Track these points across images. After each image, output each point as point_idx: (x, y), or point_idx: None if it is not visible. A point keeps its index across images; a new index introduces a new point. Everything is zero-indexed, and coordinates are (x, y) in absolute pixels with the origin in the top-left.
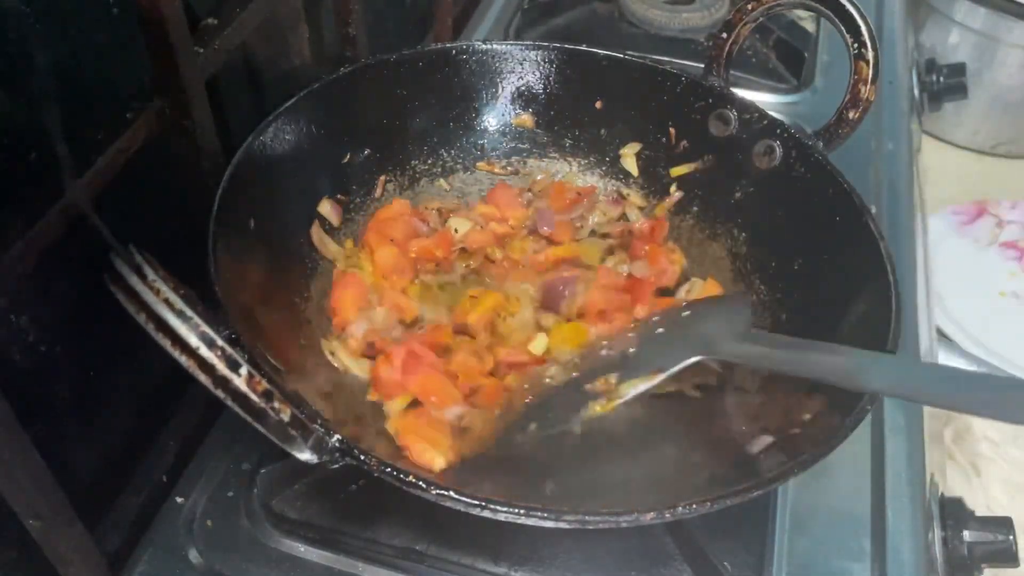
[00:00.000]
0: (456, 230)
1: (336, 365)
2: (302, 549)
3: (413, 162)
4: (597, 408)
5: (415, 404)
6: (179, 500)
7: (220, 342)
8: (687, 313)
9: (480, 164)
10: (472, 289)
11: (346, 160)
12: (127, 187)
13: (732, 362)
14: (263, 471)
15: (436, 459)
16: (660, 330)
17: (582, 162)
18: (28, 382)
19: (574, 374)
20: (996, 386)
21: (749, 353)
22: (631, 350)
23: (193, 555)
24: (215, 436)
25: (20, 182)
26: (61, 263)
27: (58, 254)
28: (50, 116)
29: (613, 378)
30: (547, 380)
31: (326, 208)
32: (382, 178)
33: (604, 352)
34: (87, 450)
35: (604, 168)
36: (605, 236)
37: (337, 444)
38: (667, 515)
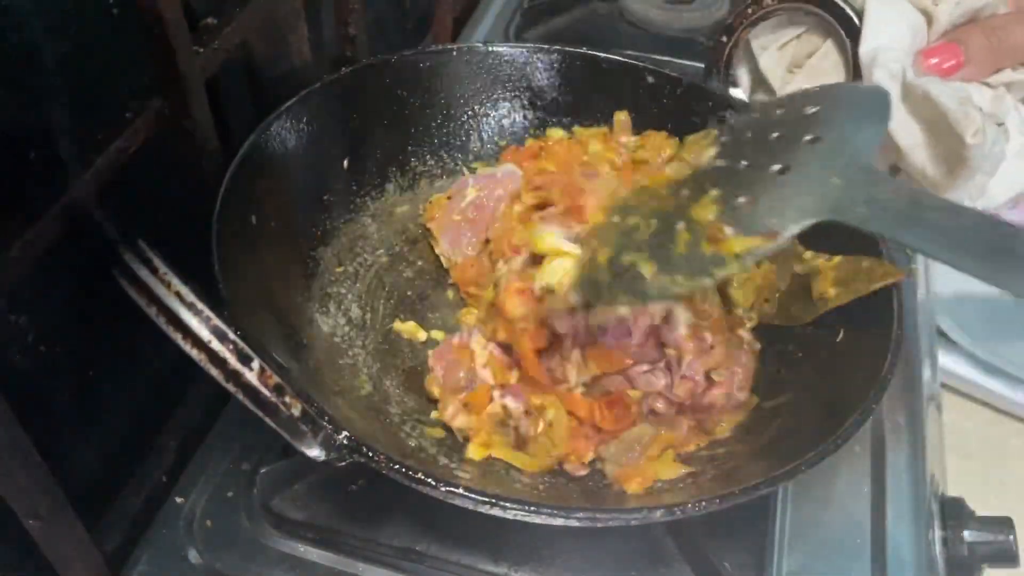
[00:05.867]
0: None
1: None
2: (302, 549)
3: (413, 161)
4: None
5: None
6: (179, 500)
7: (232, 335)
8: (809, 138)
9: (481, 165)
10: None
11: (348, 159)
12: (126, 187)
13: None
14: (263, 471)
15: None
16: (775, 167)
17: None
18: (28, 382)
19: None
20: None
21: (884, 217)
22: (740, 199)
23: (193, 555)
24: (215, 436)
25: (19, 182)
26: (61, 263)
27: (58, 254)
28: (49, 115)
29: (727, 229)
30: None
31: None
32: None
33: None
34: (87, 450)
35: None
36: None
37: (345, 441)
38: (677, 512)
